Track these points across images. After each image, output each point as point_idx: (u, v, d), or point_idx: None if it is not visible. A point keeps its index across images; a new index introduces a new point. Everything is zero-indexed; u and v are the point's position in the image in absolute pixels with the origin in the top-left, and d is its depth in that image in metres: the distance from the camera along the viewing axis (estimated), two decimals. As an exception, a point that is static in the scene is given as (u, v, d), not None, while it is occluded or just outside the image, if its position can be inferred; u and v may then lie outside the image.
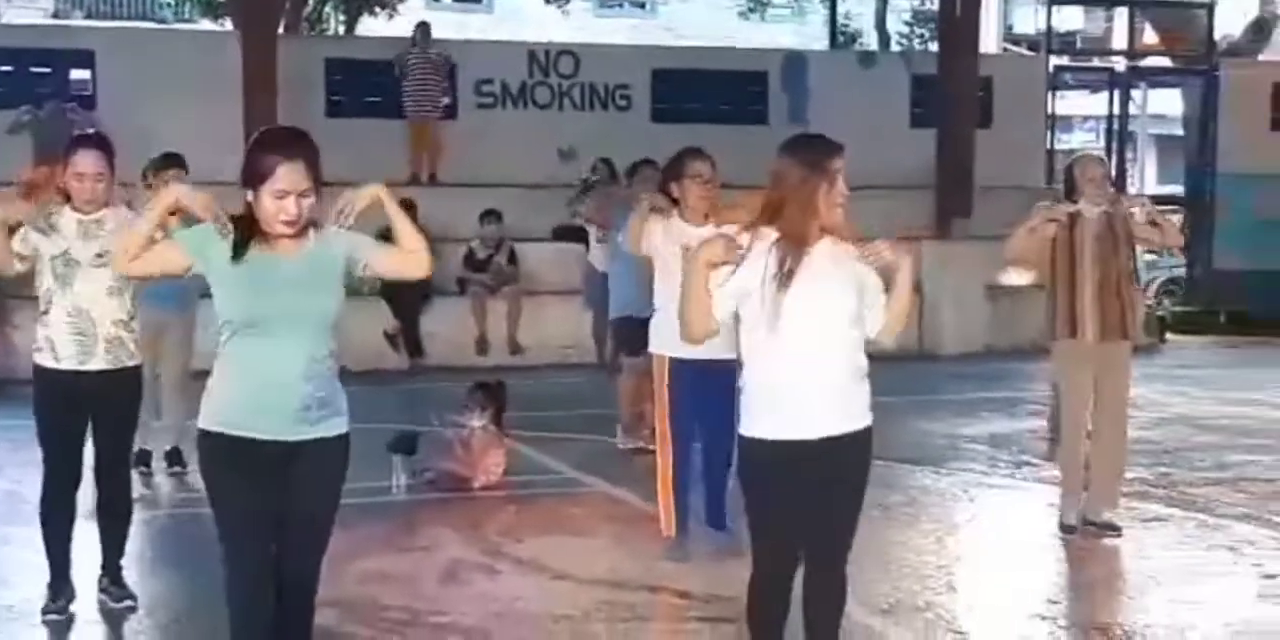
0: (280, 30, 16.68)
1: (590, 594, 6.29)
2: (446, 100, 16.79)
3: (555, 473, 9.10)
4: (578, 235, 13.84)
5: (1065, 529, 7.44)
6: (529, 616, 5.98)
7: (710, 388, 6.71)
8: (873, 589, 6.17)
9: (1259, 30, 22.52)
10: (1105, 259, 7.31)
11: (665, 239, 7.03)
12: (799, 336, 4.40)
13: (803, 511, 4.49)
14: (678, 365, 6.90)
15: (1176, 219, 21.24)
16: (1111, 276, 7.31)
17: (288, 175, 4.15)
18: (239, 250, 4.20)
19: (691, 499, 7.05)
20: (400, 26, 20.95)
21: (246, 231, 4.21)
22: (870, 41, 25.66)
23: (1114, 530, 7.42)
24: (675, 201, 7.08)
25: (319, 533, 4.36)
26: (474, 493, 8.34)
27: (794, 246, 4.41)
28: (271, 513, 4.25)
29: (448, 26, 20.38)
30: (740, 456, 4.59)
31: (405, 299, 13.59)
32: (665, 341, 6.86)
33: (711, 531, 7.03)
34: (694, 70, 17.61)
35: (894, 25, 25.58)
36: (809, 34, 28.36)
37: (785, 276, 4.38)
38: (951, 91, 15.73)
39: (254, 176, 4.17)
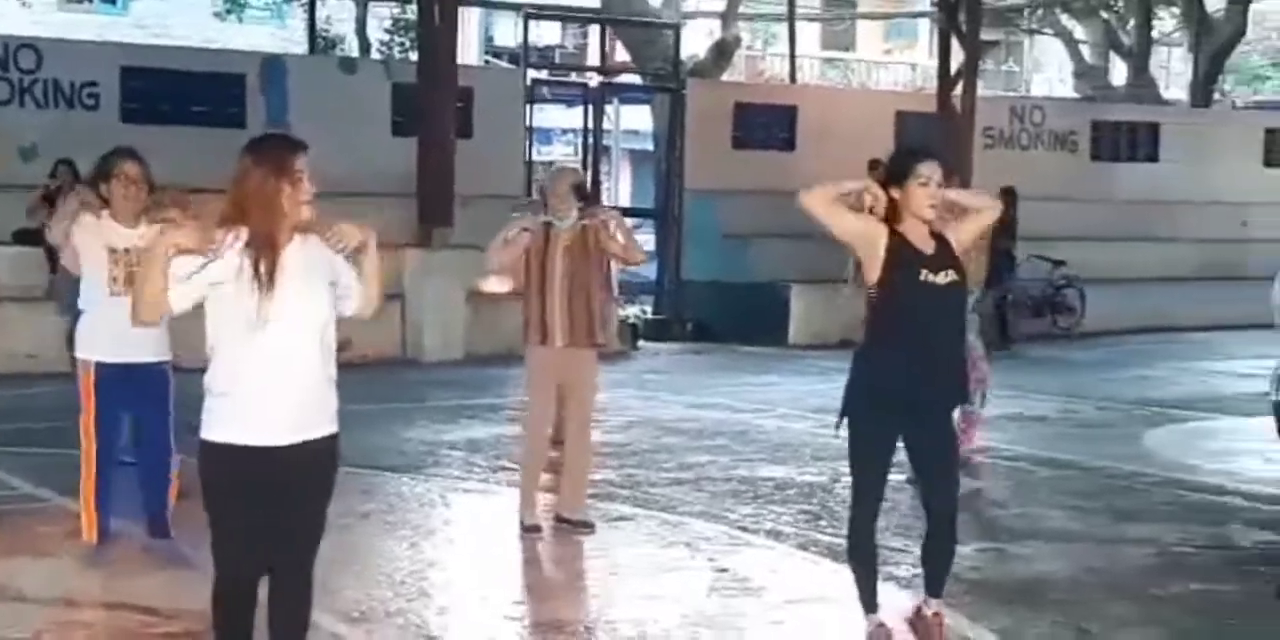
0: None
1: (44, 614, 5.98)
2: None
3: (12, 489, 8.61)
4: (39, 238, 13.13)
5: (527, 529, 7.62)
6: (-24, 642, 5.63)
7: (142, 394, 6.73)
8: (344, 596, 6.14)
9: (721, 51, 23.78)
10: (575, 269, 7.53)
11: (94, 238, 6.89)
12: (271, 341, 4.33)
13: (266, 518, 4.42)
14: (104, 369, 6.86)
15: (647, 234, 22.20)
16: (581, 286, 7.54)
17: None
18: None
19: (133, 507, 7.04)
20: None
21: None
22: (351, 48, 25.55)
23: (588, 527, 7.67)
24: (106, 201, 6.98)
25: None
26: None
27: (264, 248, 4.34)
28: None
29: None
30: (202, 461, 4.47)
31: None
32: (91, 345, 6.83)
33: (156, 542, 6.95)
34: (167, 70, 17.02)
35: (375, 32, 25.55)
36: (289, 38, 27.99)
37: (258, 279, 4.31)
38: (431, 101, 15.84)
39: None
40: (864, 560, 5.67)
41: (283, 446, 4.38)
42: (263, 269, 4.31)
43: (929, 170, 5.45)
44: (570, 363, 7.60)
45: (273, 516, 4.43)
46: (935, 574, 5.71)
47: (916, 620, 5.67)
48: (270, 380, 4.35)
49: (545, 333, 7.53)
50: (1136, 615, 6.37)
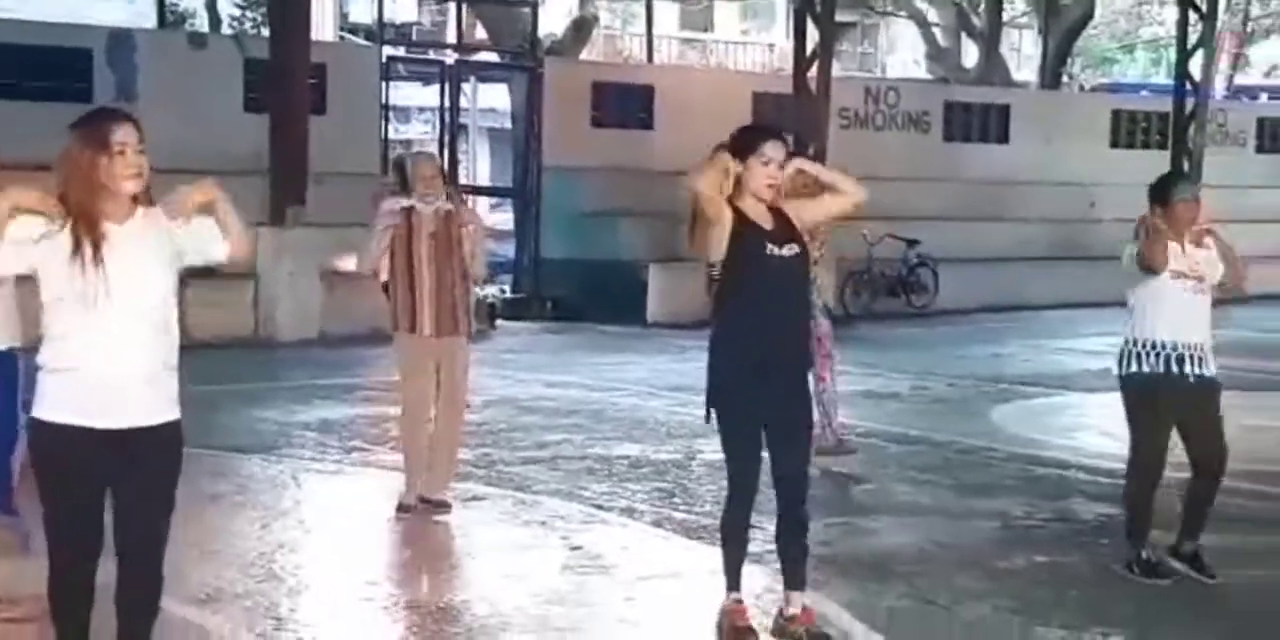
0: None
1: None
2: None
3: None
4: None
5: (402, 509, 7.59)
6: None
7: None
8: (191, 579, 6.05)
9: (580, 30, 23.75)
10: (441, 256, 7.49)
11: None
12: (101, 321, 4.23)
13: (99, 503, 4.34)
14: None
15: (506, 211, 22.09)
16: (447, 273, 7.51)
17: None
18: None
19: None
20: None
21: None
22: (202, 22, 25.10)
23: (445, 507, 7.65)
24: None
25: None
26: None
27: (84, 224, 4.23)
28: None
29: None
30: (32, 439, 4.37)
31: None
32: None
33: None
34: (12, 44, 16.59)
35: (226, 7, 25.11)
36: (137, 12, 27.38)
37: (81, 257, 4.21)
38: (284, 77, 15.62)
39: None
40: (737, 541, 5.67)
41: (115, 430, 4.27)
42: (86, 246, 4.21)
43: (773, 150, 5.48)
44: (441, 350, 7.59)
45: (114, 500, 4.35)
46: (793, 560, 5.63)
47: (784, 622, 5.62)
48: (101, 361, 4.24)
49: (414, 322, 7.49)
50: (982, 587, 6.50)
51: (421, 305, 7.47)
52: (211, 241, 4.47)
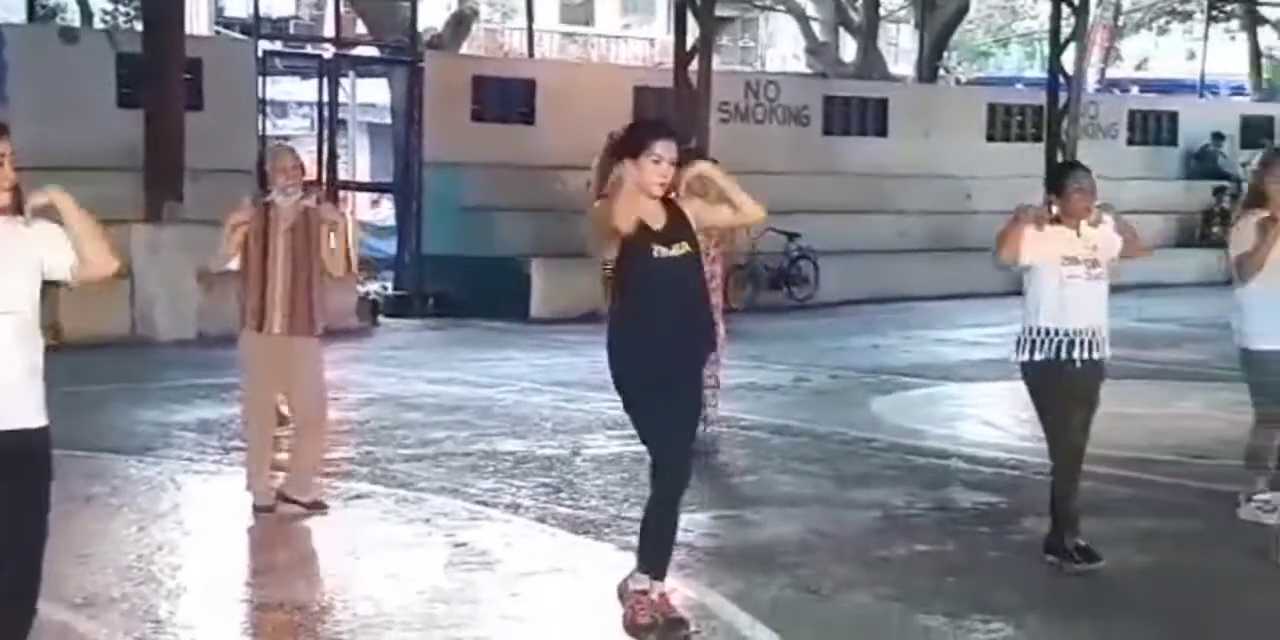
0: None
1: None
2: None
3: None
4: None
5: (260, 510, 7.50)
6: None
7: None
8: (66, 583, 5.93)
9: (459, 24, 23.62)
10: (298, 252, 7.38)
11: None
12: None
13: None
14: None
15: (387, 206, 21.94)
16: (304, 270, 7.40)
17: None
18: None
19: None
20: None
21: None
22: (73, 17, 24.61)
23: (320, 508, 7.57)
24: None
25: None
26: None
27: None
28: None
29: None
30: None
31: None
32: None
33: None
34: (-128, 39, 16.21)
35: (98, 2, 24.65)
36: (5, 6, 26.81)
37: None
38: (158, 72, 15.37)
39: None
40: (670, 527, 5.70)
41: None
42: None
43: (663, 149, 5.48)
44: (289, 351, 7.45)
45: None
46: (660, 549, 5.69)
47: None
48: None
49: (263, 319, 7.36)
50: (863, 576, 6.57)
51: (273, 303, 7.33)
52: (57, 253, 4.30)
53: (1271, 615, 6.19)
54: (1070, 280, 6.59)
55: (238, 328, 7.56)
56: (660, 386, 5.53)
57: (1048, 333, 6.62)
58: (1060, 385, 6.61)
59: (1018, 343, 6.75)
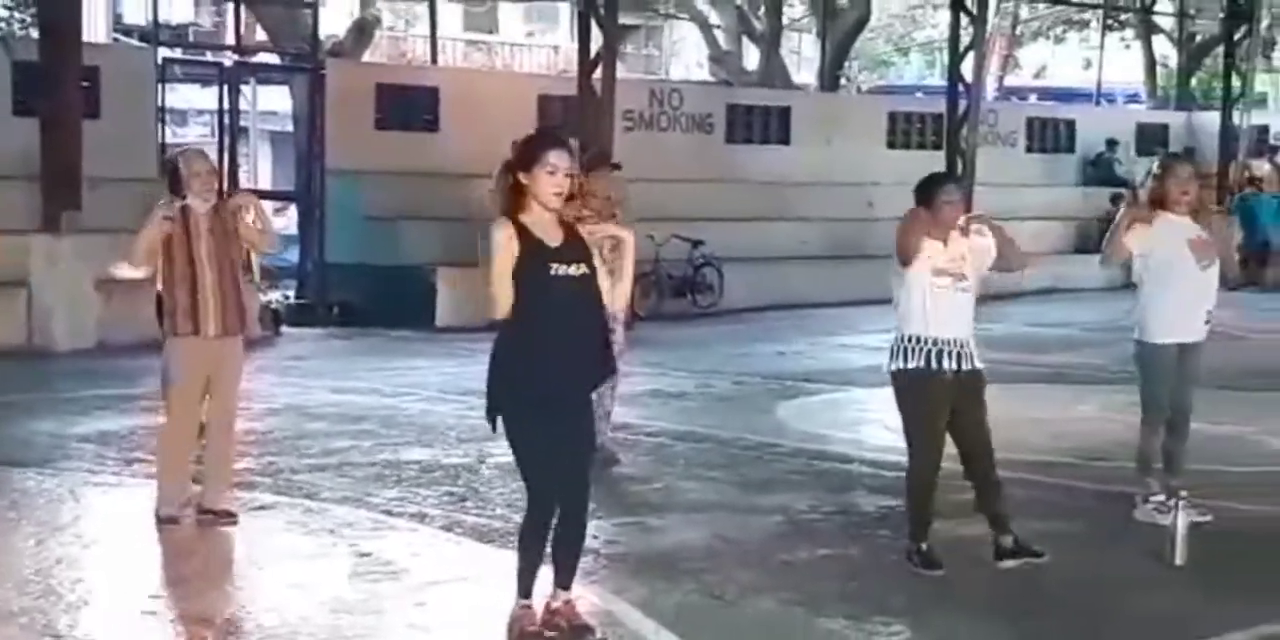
0: None
1: None
2: None
3: None
4: None
5: (164, 521, 7.43)
6: None
7: None
8: (-36, 599, 5.87)
9: (362, 31, 23.52)
10: (220, 252, 7.38)
11: None
12: None
13: None
14: None
15: (289, 215, 21.79)
16: (230, 271, 7.40)
17: None
18: None
19: None
20: None
21: None
22: (-32, 24, 24.24)
23: (231, 517, 7.52)
24: None
25: None
26: None
27: None
28: None
29: None
30: None
31: None
32: None
33: None
34: None
35: (-7, 7, 24.31)
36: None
37: None
38: (55, 79, 15.17)
39: None
40: (537, 548, 5.67)
41: None
42: None
43: (558, 158, 5.44)
44: (220, 353, 7.46)
45: None
46: (566, 563, 5.73)
47: (549, 616, 5.68)
48: None
49: (197, 322, 7.33)
50: (767, 581, 6.62)
51: (205, 305, 7.32)
52: None
53: (1164, 615, 6.31)
54: (937, 291, 6.67)
55: (162, 336, 7.49)
56: (542, 409, 5.45)
57: (918, 341, 6.71)
58: (928, 394, 6.70)
59: (890, 351, 6.84)
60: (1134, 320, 7.83)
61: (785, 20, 31.23)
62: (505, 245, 5.40)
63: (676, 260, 19.26)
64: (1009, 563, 6.77)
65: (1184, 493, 6.97)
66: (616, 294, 5.71)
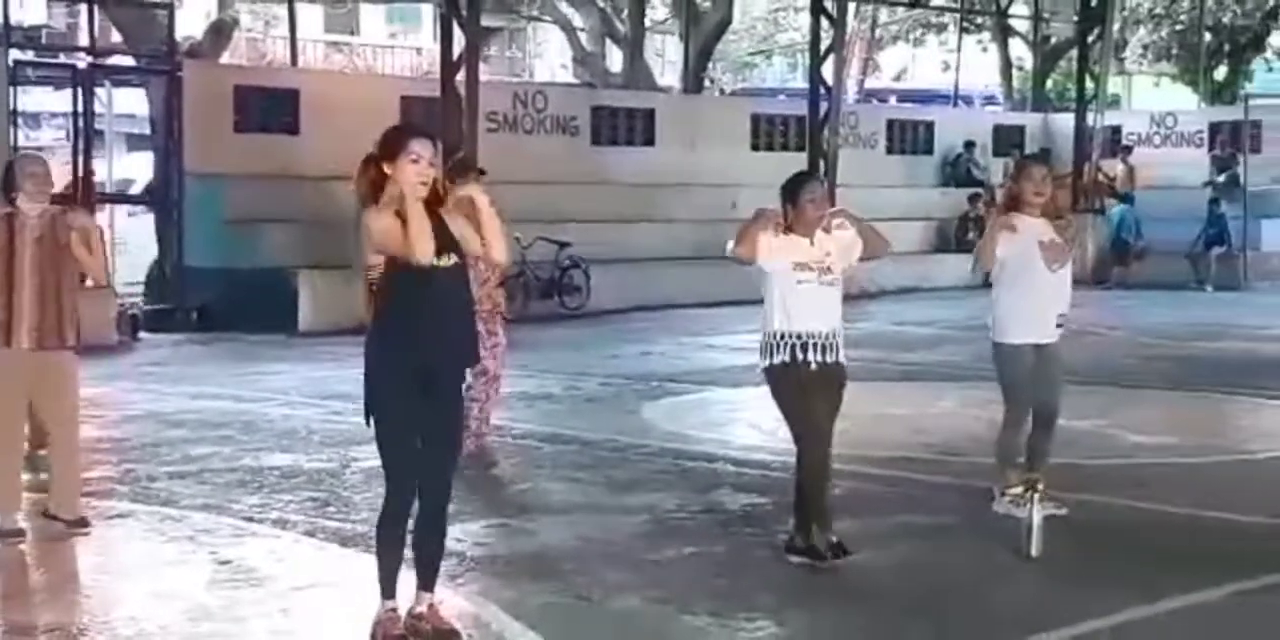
0: None
1: None
2: None
3: None
4: None
5: (7, 534, 7.24)
6: None
7: None
8: None
9: (219, 32, 23.17)
10: (45, 263, 7.19)
11: None
12: None
13: None
14: None
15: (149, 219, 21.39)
16: (53, 283, 7.21)
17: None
18: None
19: None
20: None
21: None
22: None
23: (84, 526, 7.37)
24: None
25: None
26: None
27: None
28: None
29: None
30: None
31: None
32: None
33: None
34: None
35: None
36: None
37: None
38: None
39: None
40: (394, 547, 5.64)
41: None
42: None
43: (420, 147, 5.47)
44: (40, 367, 7.24)
45: None
46: (429, 564, 5.69)
47: (413, 620, 5.63)
48: None
49: (10, 335, 7.12)
50: (633, 580, 6.62)
51: (20, 316, 7.11)
52: None
53: (1021, 606, 6.42)
54: (801, 286, 6.78)
55: None
56: (415, 382, 5.48)
57: (782, 336, 6.81)
58: (798, 384, 6.78)
59: (760, 349, 6.93)
60: (989, 320, 7.95)
61: (648, 22, 31.32)
62: (390, 221, 5.39)
63: (543, 262, 19.24)
64: (797, 558, 6.81)
65: (1040, 486, 7.08)
66: (497, 249, 5.67)
